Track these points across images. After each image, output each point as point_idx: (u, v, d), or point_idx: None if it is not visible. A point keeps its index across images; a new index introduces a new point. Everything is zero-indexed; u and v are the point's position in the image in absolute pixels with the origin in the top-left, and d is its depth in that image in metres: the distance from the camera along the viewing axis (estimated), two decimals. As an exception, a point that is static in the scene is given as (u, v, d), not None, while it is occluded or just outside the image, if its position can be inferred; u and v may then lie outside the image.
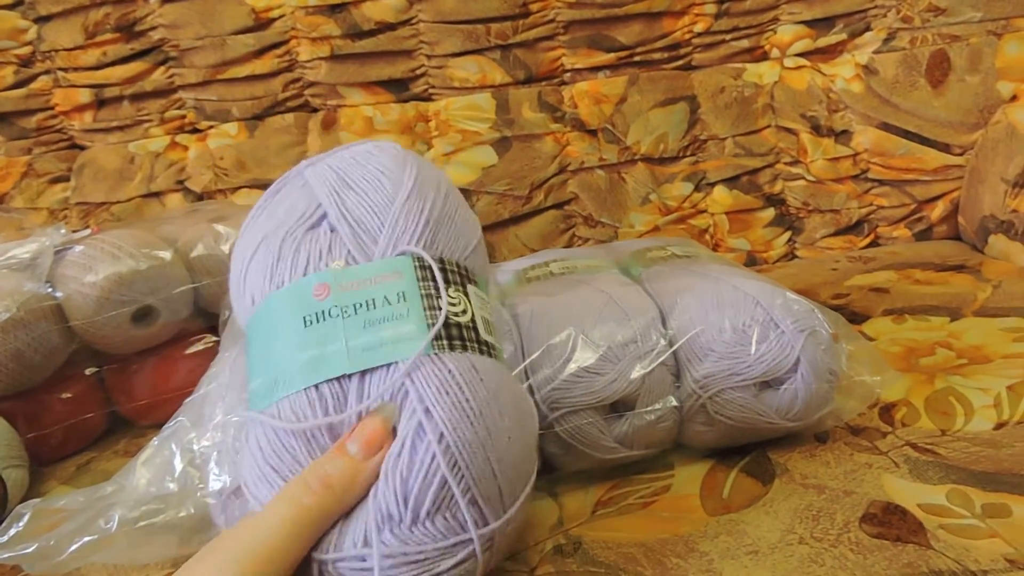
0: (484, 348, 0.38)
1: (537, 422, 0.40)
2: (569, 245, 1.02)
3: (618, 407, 0.48)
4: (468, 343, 0.37)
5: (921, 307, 0.72)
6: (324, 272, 0.37)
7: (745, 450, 0.51)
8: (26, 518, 0.43)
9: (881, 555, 0.39)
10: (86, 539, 0.43)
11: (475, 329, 0.38)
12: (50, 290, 0.61)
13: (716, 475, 0.50)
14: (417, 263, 0.38)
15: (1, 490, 0.55)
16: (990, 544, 0.39)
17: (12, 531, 0.43)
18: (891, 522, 0.42)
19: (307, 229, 0.39)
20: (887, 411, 0.54)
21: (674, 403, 0.48)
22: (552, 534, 0.45)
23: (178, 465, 0.46)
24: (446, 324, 0.36)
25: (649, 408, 0.48)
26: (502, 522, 0.34)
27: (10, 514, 0.43)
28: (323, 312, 0.36)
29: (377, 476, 0.33)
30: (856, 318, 0.71)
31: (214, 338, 0.72)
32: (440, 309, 0.37)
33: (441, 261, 0.39)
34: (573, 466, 0.50)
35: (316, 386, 0.35)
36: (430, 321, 0.36)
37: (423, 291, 0.37)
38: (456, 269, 0.40)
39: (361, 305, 0.36)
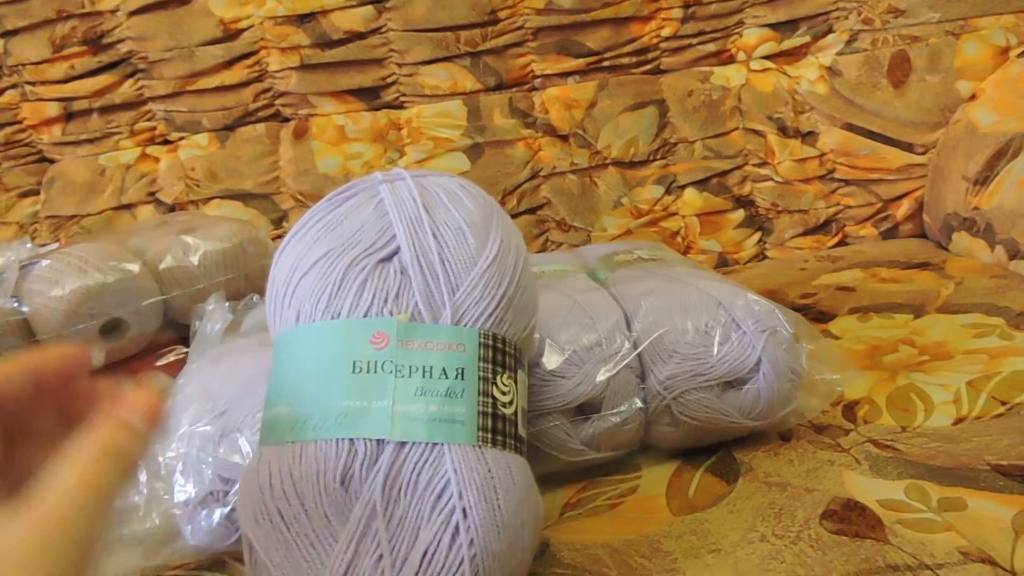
0: (519, 445, 0.37)
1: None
2: (543, 250, 1.03)
3: (584, 410, 0.48)
4: (507, 439, 0.36)
5: (886, 305, 0.73)
6: (388, 320, 0.35)
7: (711, 450, 0.52)
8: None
9: (840, 551, 0.40)
10: (50, 554, 0.43)
11: (516, 423, 0.37)
12: (16, 305, 0.61)
13: (682, 475, 0.50)
14: (483, 340, 0.36)
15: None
16: (945, 537, 0.40)
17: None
18: (850, 518, 0.43)
19: (377, 261, 0.37)
20: (850, 409, 0.55)
21: (639, 405, 0.49)
22: (520, 538, 0.46)
23: (142, 477, 0.46)
24: (494, 415, 0.35)
25: (615, 410, 0.48)
26: None
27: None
28: (377, 364, 0.34)
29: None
30: (823, 317, 0.72)
31: (184, 349, 0.72)
32: (492, 398, 0.35)
33: (504, 342, 0.37)
34: (540, 469, 0.49)
35: (352, 440, 0.33)
36: (481, 408, 0.35)
37: (481, 372, 0.35)
38: (513, 352, 0.38)
39: (417, 369, 0.34)
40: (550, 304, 0.52)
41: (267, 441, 0.36)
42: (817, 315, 0.73)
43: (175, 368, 0.70)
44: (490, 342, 0.36)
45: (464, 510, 0.32)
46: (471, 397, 0.35)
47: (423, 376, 0.34)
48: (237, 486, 0.44)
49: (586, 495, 0.50)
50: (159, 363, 0.70)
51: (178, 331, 0.73)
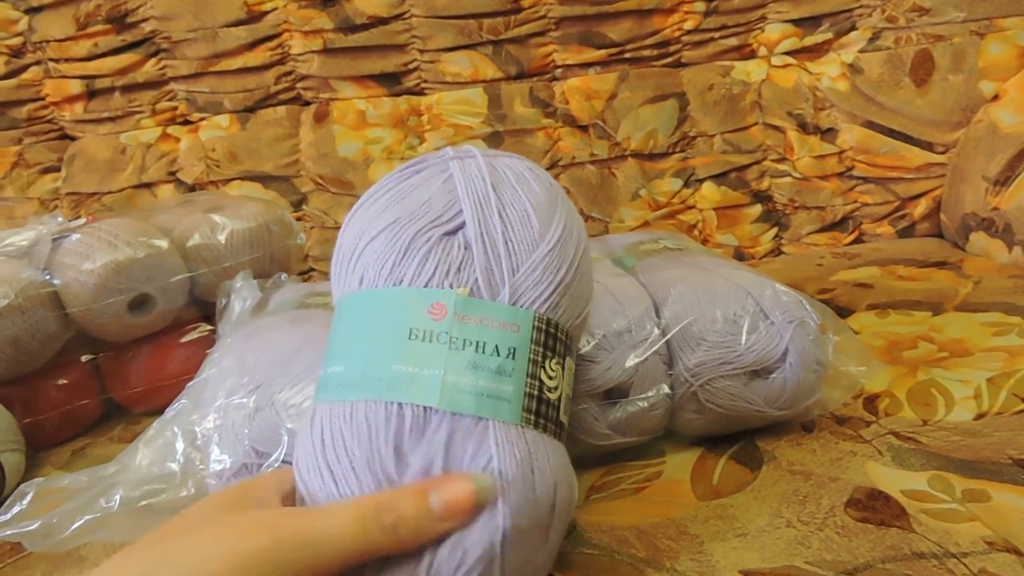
0: (559, 431, 0.37)
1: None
2: (559, 239, 1.03)
3: (612, 395, 0.49)
4: (548, 423, 0.36)
5: (904, 302, 0.74)
6: (448, 292, 0.35)
7: (734, 438, 0.53)
8: (29, 497, 0.44)
9: (866, 538, 0.41)
10: (88, 518, 0.44)
11: (558, 409, 0.37)
12: (48, 277, 0.62)
13: (706, 462, 0.51)
14: (537, 323, 0.36)
15: (-1, 474, 0.55)
16: (970, 527, 0.40)
17: (16, 509, 0.43)
18: (875, 507, 0.43)
19: (442, 234, 0.37)
20: (871, 402, 0.55)
21: (666, 391, 0.49)
22: (547, 518, 0.47)
23: (180, 446, 0.47)
24: (539, 398, 0.35)
25: (642, 396, 0.49)
26: None
27: (12, 494, 0.44)
28: (432, 333, 0.35)
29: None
30: (841, 313, 0.73)
31: (209, 327, 0.72)
32: (539, 381, 0.36)
33: (557, 327, 0.37)
34: (568, 452, 0.51)
35: (400, 403, 0.33)
36: (527, 390, 0.35)
37: (532, 355, 0.36)
38: (564, 339, 0.38)
39: (471, 343, 0.34)
40: (580, 290, 0.52)
41: (321, 397, 0.36)
42: (835, 311, 0.73)
43: (200, 345, 0.71)
44: (543, 326, 0.36)
45: (503, 488, 0.32)
46: (519, 377, 0.35)
47: (476, 351, 0.34)
48: (271, 458, 0.45)
49: (611, 478, 0.50)
50: (183, 339, 0.71)
51: (202, 309, 0.73)
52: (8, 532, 0.43)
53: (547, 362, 0.36)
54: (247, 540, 0.28)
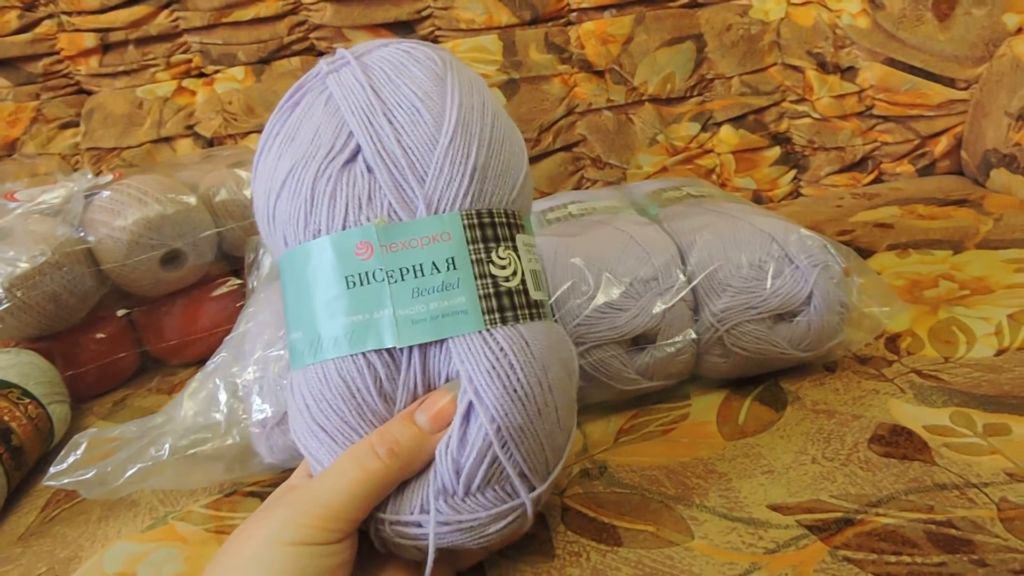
0: (534, 311, 0.36)
1: (578, 372, 0.39)
2: (578, 187, 1.04)
3: (639, 341, 0.50)
4: (519, 310, 0.35)
5: (924, 241, 0.74)
6: (367, 228, 0.34)
7: (757, 380, 0.54)
8: (83, 447, 0.46)
9: (889, 471, 0.42)
10: (139, 466, 0.46)
11: (525, 292, 0.36)
12: (82, 234, 0.63)
13: (731, 404, 0.52)
14: (465, 221, 0.34)
15: (47, 424, 0.58)
16: (991, 460, 0.42)
17: (71, 459, 0.45)
18: (898, 442, 0.45)
19: (341, 166, 0.35)
20: (892, 341, 0.56)
21: (693, 336, 0.50)
22: (579, 459, 0.48)
23: (223, 397, 0.48)
24: (497, 294, 0.34)
25: (669, 341, 0.50)
26: (549, 482, 0.36)
27: (67, 445, 0.46)
28: (368, 274, 0.34)
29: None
30: (861, 254, 0.73)
31: (237, 281, 0.74)
32: (491, 276, 0.34)
33: (490, 215, 0.35)
34: (595, 397, 0.52)
35: (364, 353, 0.33)
36: (481, 292, 0.34)
37: (473, 255, 0.34)
38: (504, 220, 0.36)
39: (408, 270, 0.33)
40: (606, 239, 0.53)
41: (294, 366, 0.37)
42: (855, 252, 0.74)
43: (230, 298, 0.73)
44: (475, 221, 0.35)
45: (477, 391, 0.33)
46: (468, 284, 0.34)
47: (415, 276, 0.33)
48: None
49: (638, 421, 0.52)
50: (214, 293, 0.73)
51: (230, 263, 0.75)
52: (65, 480, 0.45)
53: (493, 254, 0.35)
54: (272, 520, 0.32)
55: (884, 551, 0.36)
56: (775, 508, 0.41)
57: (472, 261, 0.34)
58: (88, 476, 0.45)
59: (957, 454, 0.43)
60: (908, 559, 0.36)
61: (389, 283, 0.33)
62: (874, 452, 0.44)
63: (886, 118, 0.98)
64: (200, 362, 0.72)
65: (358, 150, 0.35)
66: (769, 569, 0.36)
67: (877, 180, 1.01)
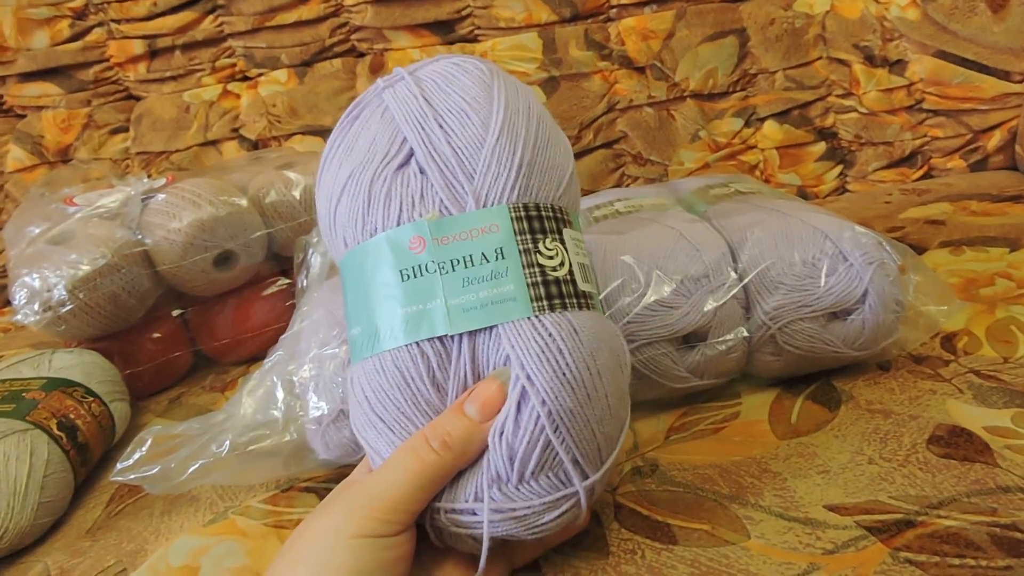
0: (582, 301, 0.37)
1: (630, 365, 0.40)
2: (619, 184, 1.03)
3: (690, 339, 0.50)
4: (567, 299, 0.36)
5: (979, 238, 0.72)
6: (419, 223, 0.36)
7: (809, 379, 0.53)
8: (148, 443, 0.47)
9: (949, 473, 0.41)
10: (201, 462, 0.47)
11: (572, 282, 0.37)
12: (139, 237, 0.65)
13: (783, 402, 0.52)
14: (513, 213, 0.36)
15: (110, 421, 0.59)
16: (1056, 462, 0.41)
17: (136, 455, 0.47)
18: (958, 443, 0.44)
19: (395, 169, 0.38)
20: (949, 340, 0.55)
21: (744, 334, 0.50)
22: (630, 457, 0.48)
23: (280, 394, 0.49)
24: (544, 282, 0.36)
25: (720, 339, 0.50)
26: (603, 472, 0.36)
27: (132, 442, 0.47)
28: (420, 267, 0.35)
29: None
30: (914, 251, 0.72)
31: (287, 280, 0.75)
32: (539, 266, 0.36)
33: (537, 208, 0.37)
34: (645, 395, 0.52)
35: (418, 343, 0.35)
36: (529, 280, 0.35)
37: (520, 245, 0.36)
38: (551, 214, 0.38)
39: (458, 261, 0.35)
40: (655, 236, 0.53)
41: (353, 360, 0.38)
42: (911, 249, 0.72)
43: (280, 298, 0.74)
44: (522, 213, 0.37)
45: (529, 377, 0.34)
46: (516, 272, 0.35)
47: (465, 266, 0.35)
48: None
49: (689, 419, 0.52)
50: (264, 293, 0.74)
51: (279, 263, 0.76)
52: (131, 476, 0.46)
53: (540, 245, 0.36)
54: (334, 514, 0.33)
55: (947, 554, 0.36)
56: (832, 508, 0.40)
57: (520, 251, 0.36)
58: (153, 472, 0.46)
59: (1020, 456, 0.42)
60: (972, 562, 0.35)
61: (441, 274, 0.35)
62: (933, 453, 0.43)
63: (937, 112, 0.96)
64: (251, 361, 0.74)
65: (411, 154, 0.38)
66: (828, 570, 0.36)
67: (926, 175, 0.99)
